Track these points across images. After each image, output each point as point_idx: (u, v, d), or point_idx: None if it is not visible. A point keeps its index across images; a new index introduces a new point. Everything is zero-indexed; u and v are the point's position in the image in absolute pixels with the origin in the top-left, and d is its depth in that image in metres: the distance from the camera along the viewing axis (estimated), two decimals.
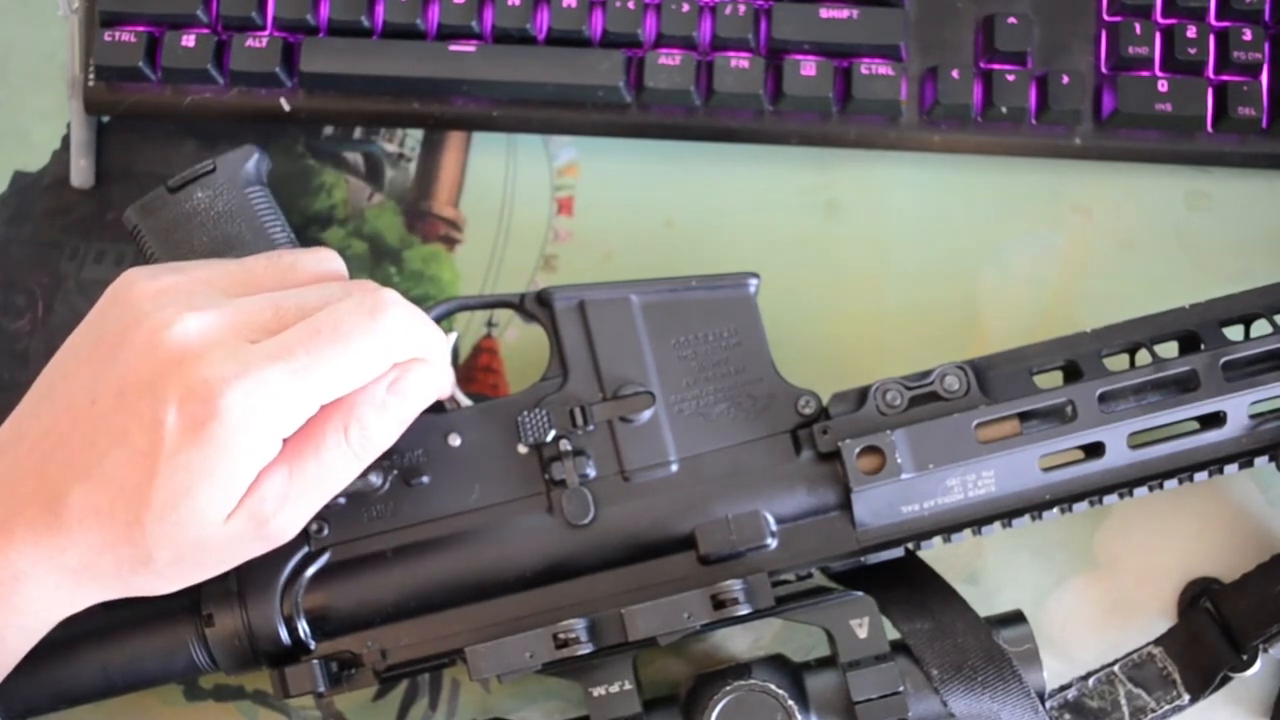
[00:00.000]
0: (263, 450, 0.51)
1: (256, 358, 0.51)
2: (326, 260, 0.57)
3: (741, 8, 0.66)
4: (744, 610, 0.56)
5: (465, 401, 0.61)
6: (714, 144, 0.68)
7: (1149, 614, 0.65)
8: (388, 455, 0.59)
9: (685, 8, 0.66)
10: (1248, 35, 0.66)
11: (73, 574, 0.52)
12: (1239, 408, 0.58)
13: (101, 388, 0.52)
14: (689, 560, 0.59)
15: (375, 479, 0.59)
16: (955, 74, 0.66)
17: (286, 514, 0.53)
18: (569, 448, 0.59)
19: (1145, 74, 0.66)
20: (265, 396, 0.50)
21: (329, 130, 0.70)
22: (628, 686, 0.57)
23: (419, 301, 0.67)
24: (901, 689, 0.56)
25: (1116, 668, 0.63)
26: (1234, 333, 0.60)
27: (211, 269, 0.55)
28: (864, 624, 0.57)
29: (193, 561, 0.53)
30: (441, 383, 0.57)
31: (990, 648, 0.58)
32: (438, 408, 0.60)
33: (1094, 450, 0.59)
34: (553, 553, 0.59)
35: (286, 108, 0.68)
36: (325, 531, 0.59)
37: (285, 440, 0.52)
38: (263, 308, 0.53)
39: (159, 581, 0.54)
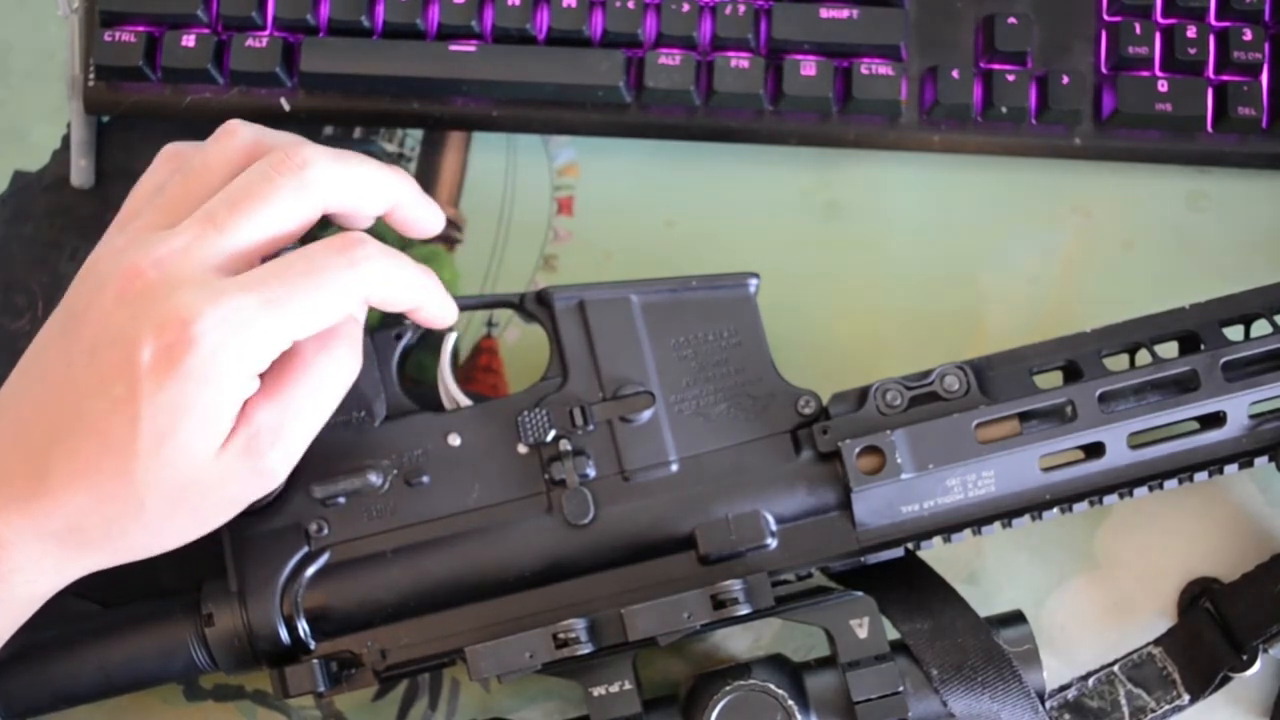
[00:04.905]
0: (242, 378, 0.51)
1: (228, 287, 0.51)
2: (230, 146, 0.55)
3: (741, 8, 0.66)
4: (744, 610, 0.56)
5: (465, 401, 0.61)
6: (714, 144, 0.68)
7: (1149, 614, 0.65)
8: (388, 455, 0.59)
9: (685, 8, 0.66)
10: (1248, 35, 0.66)
11: (59, 540, 0.52)
12: (1239, 408, 0.58)
13: (75, 352, 0.52)
14: (689, 560, 0.59)
15: (375, 479, 0.59)
16: (955, 74, 0.66)
17: (281, 447, 0.53)
18: (569, 448, 0.59)
19: (1145, 74, 0.66)
20: (239, 324, 0.50)
21: (329, 130, 0.70)
22: (628, 686, 0.57)
23: None
24: (901, 689, 0.56)
25: (1116, 668, 0.63)
26: (1234, 333, 0.60)
27: (147, 213, 0.54)
28: (864, 624, 0.57)
29: (189, 508, 0.53)
30: (429, 303, 0.57)
31: (990, 648, 0.58)
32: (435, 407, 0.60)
33: (1094, 450, 0.59)
34: (552, 553, 0.59)
35: (286, 108, 0.68)
36: (325, 531, 0.59)
37: (265, 375, 0.52)
38: (203, 226, 0.52)
39: (154, 537, 0.53)
